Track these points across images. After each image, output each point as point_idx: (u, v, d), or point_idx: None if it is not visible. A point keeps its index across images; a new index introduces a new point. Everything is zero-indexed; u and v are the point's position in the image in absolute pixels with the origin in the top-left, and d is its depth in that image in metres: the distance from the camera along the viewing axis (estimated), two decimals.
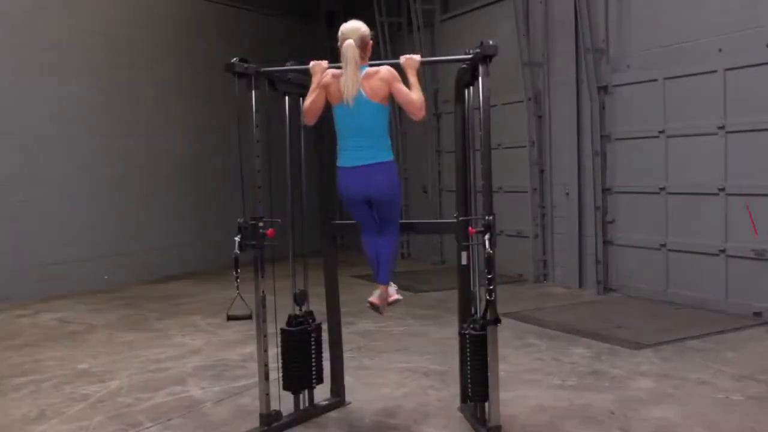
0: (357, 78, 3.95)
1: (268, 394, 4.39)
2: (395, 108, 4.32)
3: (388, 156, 4.13)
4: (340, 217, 5.01)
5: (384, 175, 4.11)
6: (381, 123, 4.09)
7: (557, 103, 9.48)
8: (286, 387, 4.59)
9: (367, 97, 4.00)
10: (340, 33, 4.06)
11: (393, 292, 4.41)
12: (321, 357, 4.76)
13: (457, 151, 4.69)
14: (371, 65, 4.10)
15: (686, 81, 7.76)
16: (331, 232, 4.85)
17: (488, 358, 4.09)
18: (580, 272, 9.15)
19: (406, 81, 4.09)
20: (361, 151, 4.07)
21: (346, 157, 4.13)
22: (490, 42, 3.95)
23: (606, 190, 8.80)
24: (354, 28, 4.06)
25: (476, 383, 4.21)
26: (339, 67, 4.05)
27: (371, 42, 4.14)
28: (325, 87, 4.09)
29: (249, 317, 4.27)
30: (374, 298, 4.37)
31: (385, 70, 4.04)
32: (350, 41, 3.97)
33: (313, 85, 4.14)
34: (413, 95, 3.99)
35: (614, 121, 8.68)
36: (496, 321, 3.98)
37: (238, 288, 4.13)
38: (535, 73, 9.71)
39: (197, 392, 5.30)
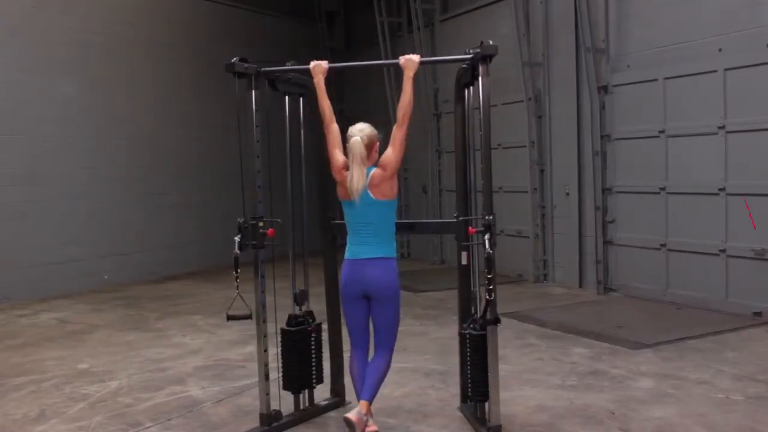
0: (362, 176, 3.98)
1: (268, 394, 4.39)
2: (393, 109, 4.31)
3: (390, 252, 4.15)
4: (340, 217, 5.00)
5: (383, 270, 4.10)
6: (388, 219, 4.15)
7: (557, 103, 9.48)
8: (286, 387, 4.59)
9: (374, 197, 4.05)
10: (348, 132, 4.10)
11: (371, 424, 4.07)
12: (321, 357, 4.76)
13: (457, 151, 4.69)
14: (373, 65, 4.08)
15: (686, 81, 7.76)
16: (331, 232, 4.85)
17: (488, 358, 4.10)
18: (580, 272, 9.15)
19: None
20: (364, 246, 4.12)
21: (351, 251, 4.17)
22: (490, 42, 3.96)
23: (606, 190, 8.80)
24: (361, 128, 4.11)
25: (476, 383, 4.22)
26: (340, 69, 4.04)
27: (378, 143, 4.17)
28: (339, 180, 4.11)
29: (249, 317, 4.27)
30: (352, 414, 3.93)
31: (380, 170, 4.03)
32: (357, 138, 4.02)
33: (318, 94, 4.17)
34: (404, 101, 4.02)
35: (614, 121, 8.68)
36: (496, 321, 3.99)
37: (238, 288, 4.14)
38: (535, 73, 9.71)
39: (197, 392, 5.30)
